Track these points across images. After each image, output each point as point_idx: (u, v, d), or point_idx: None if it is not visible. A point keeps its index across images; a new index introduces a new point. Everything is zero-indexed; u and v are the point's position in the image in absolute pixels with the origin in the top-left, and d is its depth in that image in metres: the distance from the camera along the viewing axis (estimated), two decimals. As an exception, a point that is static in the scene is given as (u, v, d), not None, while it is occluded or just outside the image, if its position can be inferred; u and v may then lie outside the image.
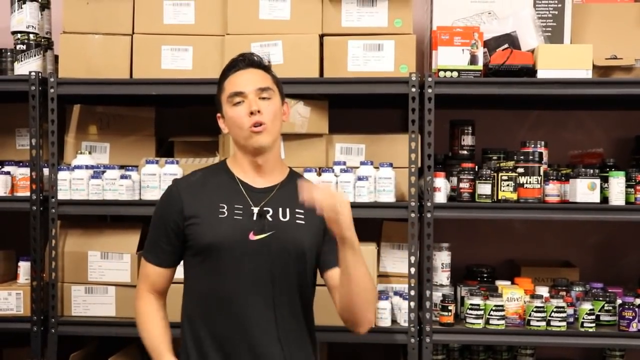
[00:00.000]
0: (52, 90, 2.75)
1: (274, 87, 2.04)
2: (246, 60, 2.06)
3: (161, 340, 2.00)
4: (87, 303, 2.79)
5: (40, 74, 2.76)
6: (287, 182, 2.07)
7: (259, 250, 1.95)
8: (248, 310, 1.94)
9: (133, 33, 2.81)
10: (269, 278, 1.95)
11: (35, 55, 2.84)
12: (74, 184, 2.76)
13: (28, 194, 2.76)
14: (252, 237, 1.96)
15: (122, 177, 2.75)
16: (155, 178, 2.74)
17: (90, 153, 2.91)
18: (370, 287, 1.95)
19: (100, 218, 3.13)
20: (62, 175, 2.77)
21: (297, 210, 2.01)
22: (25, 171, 2.79)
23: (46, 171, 2.79)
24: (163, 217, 2.04)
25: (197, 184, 2.04)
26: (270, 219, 1.98)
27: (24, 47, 2.83)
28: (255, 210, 1.98)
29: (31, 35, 2.84)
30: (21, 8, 2.84)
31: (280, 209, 2.01)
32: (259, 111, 1.97)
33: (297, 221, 2.01)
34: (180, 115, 3.21)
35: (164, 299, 2.11)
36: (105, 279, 2.79)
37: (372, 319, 2.01)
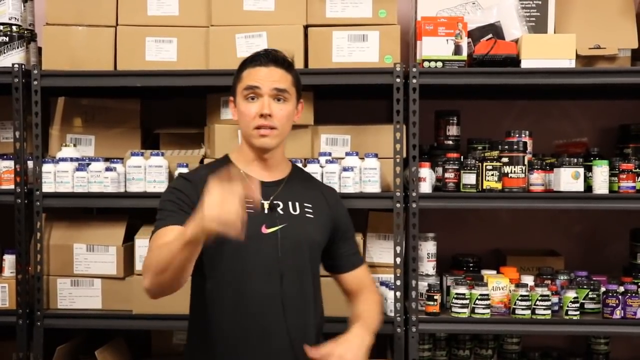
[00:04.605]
0: (35, 83, 2.73)
1: (292, 89, 2.03)
2: (270, 56, 2.03)
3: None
4: (73, 296, 2.78)
5: (23, 66, 2.74)
6: (294, 177, 2.08)
7: (270, 243, 1.93)
8: (257, 302, 1.92)
9: (117, 25, 2.79)
10: (278, 271, 1.93)
11: (18, 47, 2.82)
12: (58, 177, 2.74)
13: (12, 187, 2.74)
14: (265, 230, 1.95)
15: (107, 169, 2.74)
16: (140, 170, 2.73)
17: (75, 145, 2.89)
18: (378, 316, 2.16)
19: (86, 211, 3.12)
20: (46, 167, 2.75)
21: (305, 204, 2.03)
22: (10, 164, 2.77)
23: (30, 164, 2.78)
24: (180, 197, 1.95)
25: (205, 179, 1.90)
26: (281, 212, 1.97)
27: (7, 39, 2.80)
28: (266, 203, 1.96)
29: (14, 27, 2.82)
30: (3, 0, 2.82)
31: (290, 203, 2.01)
32: (270, 115, 1.95)
33: (307, 215, 2.01)
34: (165, 108, 3.21)
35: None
36: (91, 271, 2.78)
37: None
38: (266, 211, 1.96)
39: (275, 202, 1.98)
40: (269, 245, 1.94)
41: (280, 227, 1.96)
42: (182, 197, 1.95)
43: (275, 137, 1.99)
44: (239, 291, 1.93)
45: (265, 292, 1.93)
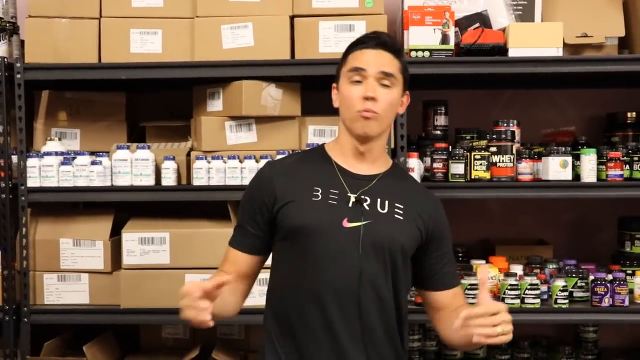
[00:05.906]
0: (18, 76, 2.69)
1: (399, 75, 1.89)
2: (378, 39, 1.91)
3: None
4: (60, 291, 2.76)
5: (6, 60, 2.70)
6: (390, 174, 1.95)
7: (350, 238, 1.83)
8: (330, 301, 1.82)
9: (100, 16, 2.76)
10: (357, 270, 1.82)
11: (0, 40, 2.79)
12: (43, 171, 2.72)
13: (-4, 181, 2.72)
14: (346, 224, 1.83)
15: (93, 163, 2.71)
16: (126, 163, 2.71)
17: (60, 139, 2.87)
18: None
19: (73, 205, 3.10)
20: (31, 162, 2.72)
21: (397, 204, 1.88)
22: (-6, 159, 2.74)
23: (15, 158, 2.75)
24: (252, 199, 1.93)
25: (291, 167, 1.95)
26: (367, 207, 1.86)
27: (-11, 32, 2.78)
28: (352, 197, 1.86)
29: (-5, 20, 2.79)
30: (-16, -7, 2.79)
31: (379, 200, 1.87)
32: (373, 98, 1.84)
33: (396, 215, 1.87)
34: (151, 100, 3.18)
35: (244, 284, 1.95)
36: (78, 266, 2.76)
37: None
38: (350, 204, 1.85)
39: (363, 196, 1.86)
40: (348, 240, 1.82)
41: (363, 223, 1.83)
42: (252, 199, 1.94)
43: (377, 122, 1.86)
44: (313, 285, 1.83)
45: (339, 288, 1.82)
